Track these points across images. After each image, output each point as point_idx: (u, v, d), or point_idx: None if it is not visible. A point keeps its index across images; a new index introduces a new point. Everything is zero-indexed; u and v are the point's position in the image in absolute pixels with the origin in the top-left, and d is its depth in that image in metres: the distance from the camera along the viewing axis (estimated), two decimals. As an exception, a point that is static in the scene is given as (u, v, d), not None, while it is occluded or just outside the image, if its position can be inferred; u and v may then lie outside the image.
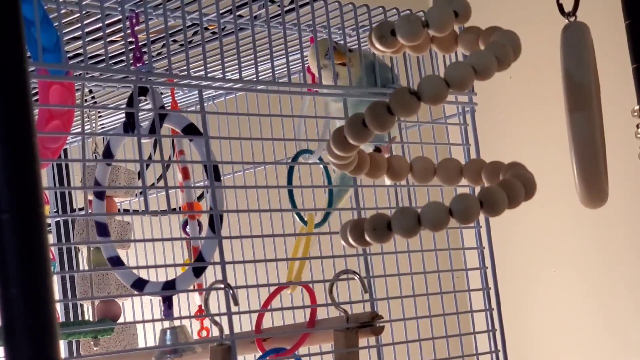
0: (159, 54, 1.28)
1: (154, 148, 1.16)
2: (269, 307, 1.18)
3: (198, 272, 1.09)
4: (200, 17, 1.06)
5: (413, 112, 0.89)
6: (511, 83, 1.88)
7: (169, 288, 1.10)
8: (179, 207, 1.25)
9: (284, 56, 1.13)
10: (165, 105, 1.37)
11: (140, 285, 1.14)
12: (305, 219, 1.22)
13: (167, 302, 1.10)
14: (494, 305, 1.22)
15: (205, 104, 1.36)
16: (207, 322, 1.32)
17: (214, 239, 1.06)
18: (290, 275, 1.20)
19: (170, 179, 1.24)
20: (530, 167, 0.96)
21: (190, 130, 1.08)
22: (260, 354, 1.17)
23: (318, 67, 1.15)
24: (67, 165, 1.61)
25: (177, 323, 1.14)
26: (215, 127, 1.32)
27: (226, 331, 1.04)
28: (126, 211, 1.40)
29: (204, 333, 1.30)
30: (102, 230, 1.17)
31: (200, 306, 1.22)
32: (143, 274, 1.18)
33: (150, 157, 1.21)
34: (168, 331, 1.12)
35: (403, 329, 1.19)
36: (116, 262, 1.16)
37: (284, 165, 1.23)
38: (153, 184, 1.24)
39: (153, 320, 1.19)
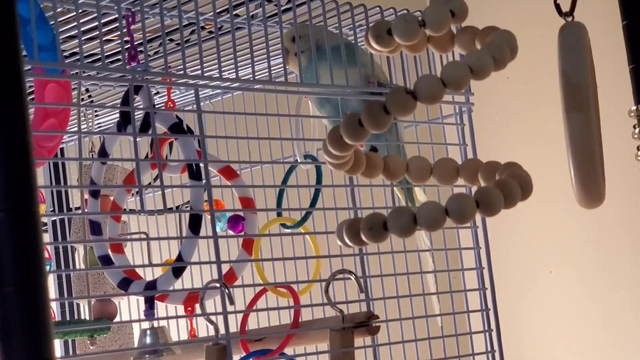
0: (155, 52, 1.28)
1: (150, 147, 1.16)
2: (254, 308, 1.18)
3: (178, 273, 1.09)
4: (197, 16, 1.06)
5: (409, 112, 0.89)
6: (508, 83, 1.88)
7: (151, 288, 1.10)
8: (175, 207, 1.25)
9: (281, 55, 1.13)
10: (158, 104, 1.37)
11: (126, 284, 1.14)
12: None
13: (149, 303, 1.10)
14: (490, 305, 1.22)
15: (202, 103, 1.36)
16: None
17: (193, 240, 1.06)
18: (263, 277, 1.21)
19: (167, 178, 1.24)
20: (527, 167, 0.96)
21: (176, 129, 1.08)
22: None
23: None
24: (63, 164, 1.60)
25: (172, 323, 1.14)
26: (212, 126, 1.32)
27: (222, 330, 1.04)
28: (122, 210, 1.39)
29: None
30: (96, 228, 1.17)
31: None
32: (140, 272, 1.18)
33: (147, 157, 1.21)
34: (148, 331, 1.12)
35: (399, 328, 1.19)
36: (107, 260, 1.16)
37: (281, 164, 1.23)
38: (149, 183, 1.24)
39: (149, 320, 1.19)
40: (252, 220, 1.15)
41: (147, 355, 1.10)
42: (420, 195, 1.24)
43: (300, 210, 1.21)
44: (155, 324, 1.13)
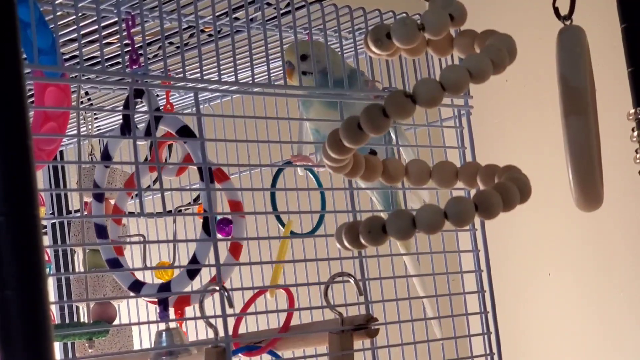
0: (155, 56, 1.28)
1: (149, 150, 1.16)
2: (253, 311, 1.18)
3: (192, 274, 1.09)
4: (197, 19, 1.06)
5: (408, 115, 0.89)
6: (507, 86, 1.88)
7: (164, 290, 1.10)
8: (174, 209, 1.25)
9: (280, 59, 1.13)
10: (161, 107, 1.37)
11: (137, 287, 1.14)
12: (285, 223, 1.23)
13: (163, 305, 1.10)
14: (489, 308, 1.22)
15: (201, 106, 1.36)
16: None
17: (208, 241, 1.07)
18: (275, 278, 1.20)
19: (166, 181, 1.24)
20: (526, 171, 0.96)
21: (185, 132, 1.08)
22: (258, 357, 1.17)
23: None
24: (63, 167, 1.61)
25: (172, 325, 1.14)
26: (211, 129, 1.32)
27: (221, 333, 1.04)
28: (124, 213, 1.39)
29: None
30: (101, 232, 1.17)
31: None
32: (139, 276, 1.18)
33: (146, 160, 1.21)
34: (164, 333, 1.12)
35: (398, 331, 1.19)
36: (114, 263, 1.16)
37: (280, 167, 1.23)
38: (149, 186, 1.24)
39: (148, 322, 1.19)
40: (240, 224, 1.15)
41: (163, 357, 1.10)
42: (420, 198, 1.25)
43: (300, 213, 1.21)
44: (164, 325, 1.13)
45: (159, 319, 1.11)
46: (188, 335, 1.31)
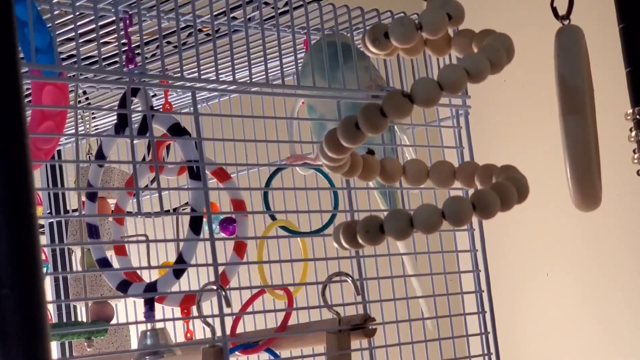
0: (152, 55, 1.28)
1: (147, 150, 1.16)
2: (251, 310, 1.18)
3: (178, 274, 1.09)
4: (194, 18, 1.06)
5: (406, 115, 0.89)
6: (505, 86, 1.88)
7: (150, 290, 1.10)
8: (172, 209, 1.25)
9: (278, 58, 1.13)
10: (156, 106, 1.37)
11: (124, 286, 1.14)
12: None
13: (149, 305, 1.10)
14: (487, 308, 1.22)
15: (199, 106, 1.36)
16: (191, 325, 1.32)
17: (194, 241, 1.06)
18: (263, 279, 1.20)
19: (164, 180, 1.24)
20: (524, 170, 0.96)
21: (176, 130, 1.08)
22: (258, 356, 1.17)
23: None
24: (60, 167, 1.60)
25: (169, 324, 1.14)
26: (209, 128, 1.32)
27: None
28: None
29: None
30: (93, 231, 1.17)
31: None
32: (142, 274, 1.18)
33: (144, 159, 1.21)
34: (148, 333, 1.12)
35: (395, 331, 1.19)
36: (105, 263, 1.16)
37: (277, 167, 1.23)
38: (146, 185, 1.24)
39: (146, 322, 1.19)
40: (243, 222, 1.15)
41: (147, 357, 1.10)
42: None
43: (297, 212, 1.21)
44: (154, 325, 1.13)
45: (144, 319, 1.11)
46: (194, 335, 1.31)
